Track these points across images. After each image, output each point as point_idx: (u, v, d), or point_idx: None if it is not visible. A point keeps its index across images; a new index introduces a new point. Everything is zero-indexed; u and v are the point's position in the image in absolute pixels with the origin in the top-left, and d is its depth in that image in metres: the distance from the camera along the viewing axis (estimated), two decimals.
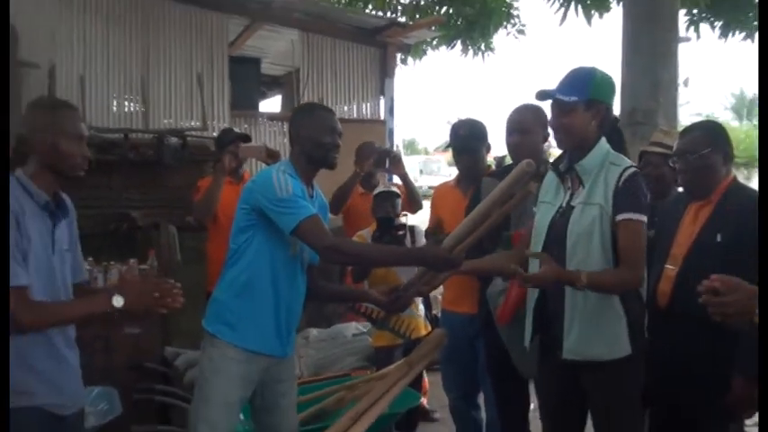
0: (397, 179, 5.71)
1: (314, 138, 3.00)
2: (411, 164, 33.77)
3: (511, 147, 3.51)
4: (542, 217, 2.93)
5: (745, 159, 34.37)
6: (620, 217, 2.68)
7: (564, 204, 2.86)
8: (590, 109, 2.75)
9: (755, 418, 2.69)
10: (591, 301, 2.73)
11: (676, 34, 4.07)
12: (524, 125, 3.46)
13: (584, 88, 2.76)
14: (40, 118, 2.58)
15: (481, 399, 4.10)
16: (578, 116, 2.76)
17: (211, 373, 2.92)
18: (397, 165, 5.30)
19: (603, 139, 2.81)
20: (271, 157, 4.93)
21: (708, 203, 3.00)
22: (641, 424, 2.99)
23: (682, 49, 4.36)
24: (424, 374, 5.37)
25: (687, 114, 46.04)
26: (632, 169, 2.74)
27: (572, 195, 2.84)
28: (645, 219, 2.69)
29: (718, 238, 2.88)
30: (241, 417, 3.38)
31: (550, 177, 2.97)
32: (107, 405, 3.65)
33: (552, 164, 2.98)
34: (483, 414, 4.10)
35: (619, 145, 2.90)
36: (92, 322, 2.94)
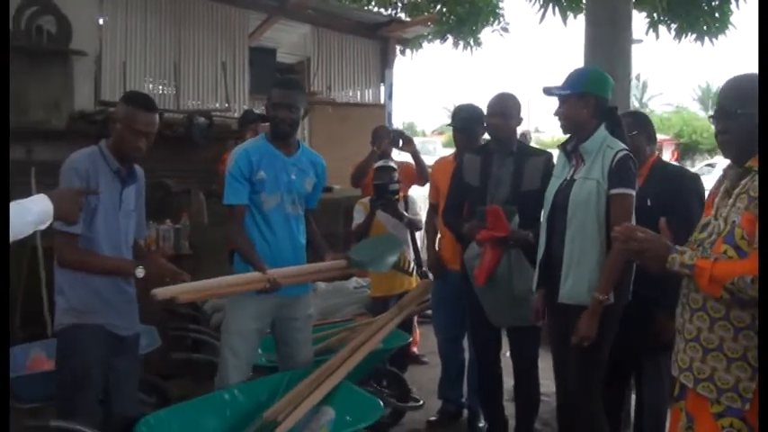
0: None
1: (270, 113, 3.23)
2: None
3: (493, 127, 3.65)
4: (550, 188, 3.15)
5: (709, 146, 34.51)
6: (612, 191, 2.89)
7: (568, 178, 3.07)
8: (581, 100, 3.00)
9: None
10: (584, 254, 2.93)
11: (630, 35, 4.24)
12: (505, 110, 3.60)
13: (576, 83, 3.03)
14: (123, 109, 2.88)
15: (465, 342, 4.30)
16: (571, 105, 3.02)
17: (232, 309, 3.22)
18: (408, 144, 5.44)
19: (603, 127, 3.01)
20: None
21: (638, 176, 3.19)
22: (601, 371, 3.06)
23: (640, 48, 4.55)
24: (416, 327, 5.63)
25: (659, 104, 46.01)
26: (623, 152, 2.92)
27: (575, 171, 3.06)
28: (632, 192, 2.89)
29: (648, 203, 3.14)
30: (259, 351, 3.68)
31: (561, 155, 3.18)
32: (148, 339, 3.90)
33: (561, 145, 3.18)
34: (466, 354, 4.31)
35: (616, 131, 3.05)
36: None
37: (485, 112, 3.72)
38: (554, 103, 3.11)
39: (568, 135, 3.13)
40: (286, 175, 3.23)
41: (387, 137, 5.42)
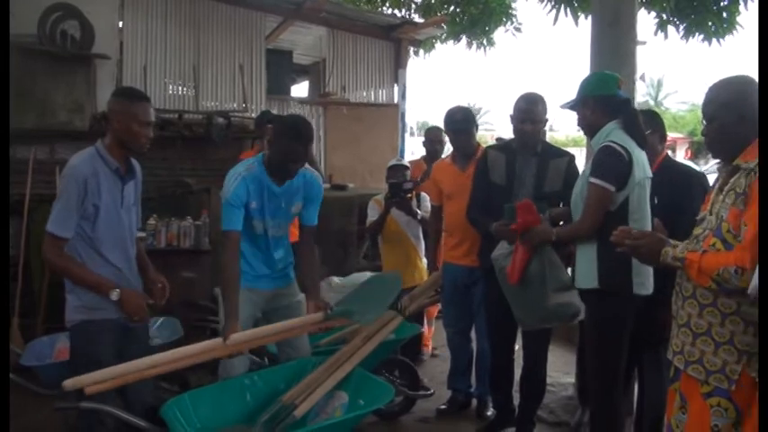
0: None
1: (284, 158, 3.24)
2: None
3: (522, 133, 3.69)
4: None
5: None
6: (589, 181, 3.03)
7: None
8: (584, 106, 3.19)
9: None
10: (581, 243, 3.12)
11: (634, 37, 4.32)
12: (536, 116, 3.67)
13: (578, 93, 3.23)
14: (120, 105, 2.96)
15: (473, 334, 4.44)
16: (579, 113, 3.23)
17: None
18: None
19: (612, 123, 3.11)
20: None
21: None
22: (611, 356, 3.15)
23: (653, 47, 4.64)
24: (431, 324, 5.74)
25: (674, 102, 45.77)
26: (604, 143, 3.03)
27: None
28: (601, 183, 2.96)
29: (655, 201, 3.22)
30: None
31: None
32: (170, 331, 4.06)
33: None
34: (474, 345, 4.46)
35: (629, 124, 3.12)
36: (157, 268, 3.36)
37: (490, 107, 3.84)
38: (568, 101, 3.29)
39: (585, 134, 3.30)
40: (274, 205, 3.36)
41: (439, 137, 5.52)
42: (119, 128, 2.94)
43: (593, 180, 3.00)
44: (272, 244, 3.47)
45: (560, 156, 3.78)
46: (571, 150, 3.83)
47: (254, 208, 3.31)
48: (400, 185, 4.74)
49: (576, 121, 3.30)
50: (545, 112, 3.72)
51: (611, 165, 2.98)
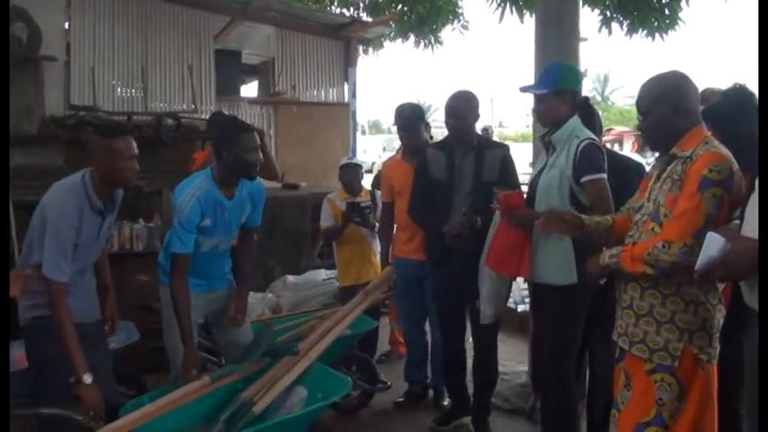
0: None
1: (238, 157, 3.18)
2: (375, 142, 33.75)
3: (447, 128, 3.89)
4: (531, 177, 3.37)
5: None
6: (583, 179, 3.07)
7: (544, 166, 3.25)
8: (558, 97, 3.18)
9: None
10: (550, 239, 3.11)
11: (578, 35, 4.47)
12: (458, 111, 3.80)
13: (552, 81, 3.20)
14: (101, 143, 2.91)
15: (427, 326, 4.54)
16: (549, 103, 3.20)
17: (171, 307, 3.31)
18: None
19: (575, 117, 3.18)
20: (259, 134, 5.23)
21: None
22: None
23: (598, 43, 4.73)
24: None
25: (620, 96, 46.71)
26: (587, 141, 3.10)
27: (549, 159, 3.23)
28: (602, 175, 3.07)
29: None
30: None
31: (541, 146, 3.39)
32: (126, 334, 4.02)
33: (541, 136, 3.36)
34: (428, 337, 4.55)
35: (589, 119, 3.26)
36: (111, 271, 3.41)
37: (439, 105, 3.93)
38: (517, 98, 3.41)
39: (544, 128, 3.31)
40: (226, 220, 3.35)
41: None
42: (104, 166, 2.91)
43: (594, 177, 3.06)
44: (222, 259, 3.49)
45: (495, 147, 3.94)
46: (520, 146, 3.94)
47: (209, 225, 3.28)
48: (357, 205, 4.76)
49: (532, 109, 3.32)
50: (469, 109, 3.83)
51: (600, 159, 3.10)
